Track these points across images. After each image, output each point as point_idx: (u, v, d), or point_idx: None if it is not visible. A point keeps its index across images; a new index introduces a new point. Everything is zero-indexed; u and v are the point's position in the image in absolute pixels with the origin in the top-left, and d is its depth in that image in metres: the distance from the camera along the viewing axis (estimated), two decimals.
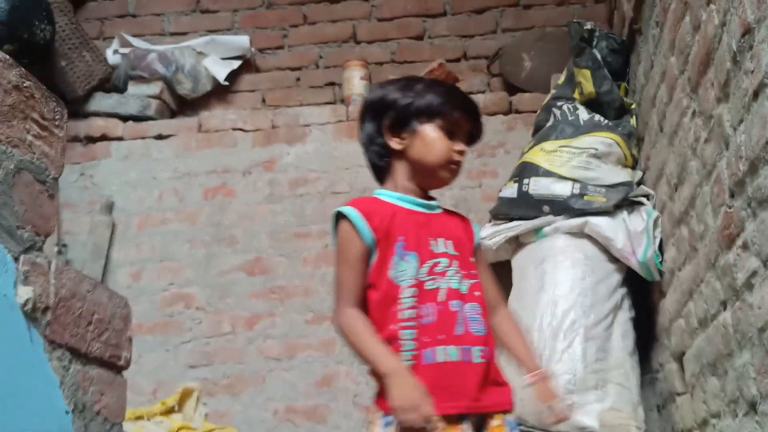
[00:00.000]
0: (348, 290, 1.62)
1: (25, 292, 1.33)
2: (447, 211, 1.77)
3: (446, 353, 1.55)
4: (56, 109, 1.54)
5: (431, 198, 1.74)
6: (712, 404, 2.06)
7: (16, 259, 1.33)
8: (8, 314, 1.30)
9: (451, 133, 1.68)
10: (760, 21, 1.51)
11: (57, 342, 1.42)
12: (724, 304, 1.89)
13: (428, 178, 1.70)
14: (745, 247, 1.69)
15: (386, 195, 1.70)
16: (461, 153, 1.69)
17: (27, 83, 1.44)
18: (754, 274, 1.64)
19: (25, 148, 1.42)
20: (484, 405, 1.57)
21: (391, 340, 1.55)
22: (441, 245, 1.64)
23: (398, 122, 1.69)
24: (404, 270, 1.58)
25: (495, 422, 1.58)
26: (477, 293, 1.63)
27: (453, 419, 1.52)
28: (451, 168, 1.69)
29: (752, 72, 1.57)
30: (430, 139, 1.67)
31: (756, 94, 1.55)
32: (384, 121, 1.70)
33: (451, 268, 1.62)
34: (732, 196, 1.77)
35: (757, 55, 1.54)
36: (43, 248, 1.43)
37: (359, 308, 1.61)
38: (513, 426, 1.61)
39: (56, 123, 1.54)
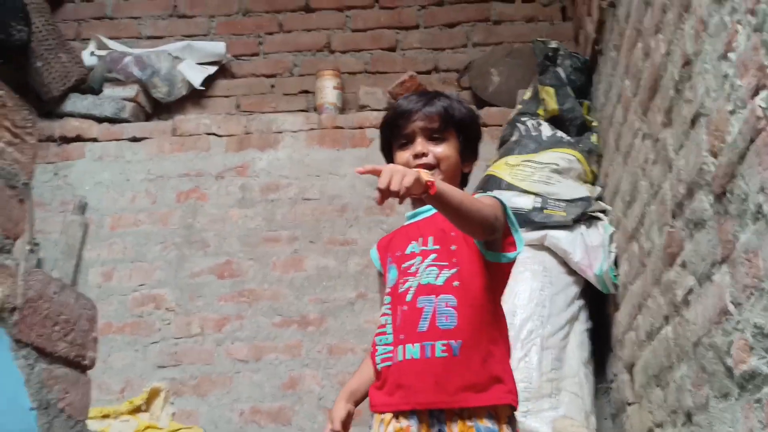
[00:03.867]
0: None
1: None
2: None
3: (405, 352, 1.59)
4: (28, 117, 1.60)
5: None
6: (657, 414, 2.16)
7: None
8: None
9: (408, 142, 1.72)
10: (697, 54, 1.61)
11: (23, 341, 1.48)
12: (666, 319, 2.00)
13: None
14: (684, 265, 1.79)
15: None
16: (418, 155, 1.69)
17: None
18: (690, 291, 1.74)
19: None
20: (438, 402, 1.55)
21: (373, 346, 1.68)
22: (418, 245, 1.67)
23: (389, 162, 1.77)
24: (389, 281, 1.70)
25: (456, 427, 1.54)
26: (456, 283, 1.60)
27: (405, 414, 1.57)
28: None
29: (690, 101, 1.67)
30: (395, 163, 1.72)
31: (693, 122, 1.65)
32: None
33: (423, 264, 1.64)
34: (674, 216, 1.87)
35: (694, 86, 1.64)
36: (12, 251, 1.50)
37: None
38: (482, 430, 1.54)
39: (28, 131, 1.60)
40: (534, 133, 3.03)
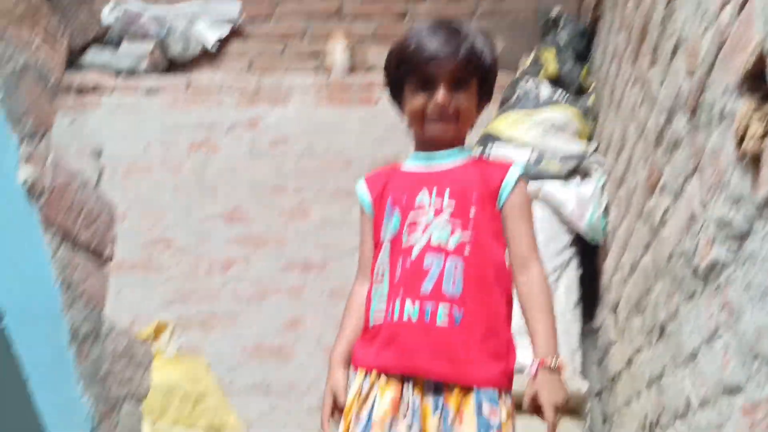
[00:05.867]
0: (360, 260, 1.62)
1: (25, 172, 1.53)
2: (471, 160, 1.58)
3: (403, 310, 1.46)
4: (59, 24, 1.75)
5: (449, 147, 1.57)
6: (636, 341, 2.28)
7: (21, 142, 1.53)
8: (11, 190, 1.50)
9: (427, 85, 1.53)
10: None
11: (51, 222, 1.62)
12: (647, 247, 2.12)
13: (423, 137, 1.58)
14: (662, 189, 1.92)
15: (409, 157, 1.65)
16: (438, 102, 1.52)
17: None
18: (666, 211, 1.87)
19: (31, 51, 1.63)
20: (434, 372, 1.43)
21: (368, 299, 1.54)
22: (430, 196, 1.53)
23: (394, 94, 1.64)
24: (389, 228, 1.54)
25: (453, 394, 1.42)
26: (467, 251, 1.47)
27: (398, 377, 1.45)
28: (431, 121, 1.54)
29: (672, 35, 1.80)
30: (406, 101, 1.58)
31: (673, 53, 1.78)
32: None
33: (434, 221, 1.50)
34: (656, 146, 1.99)
35: (675, 20, 1.77)
36: (42, 139, 1.64)
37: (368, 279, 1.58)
38: (484, 399, 1.41)
39: (58, 36, 1.75)
40: (533, 93, 3.16)
